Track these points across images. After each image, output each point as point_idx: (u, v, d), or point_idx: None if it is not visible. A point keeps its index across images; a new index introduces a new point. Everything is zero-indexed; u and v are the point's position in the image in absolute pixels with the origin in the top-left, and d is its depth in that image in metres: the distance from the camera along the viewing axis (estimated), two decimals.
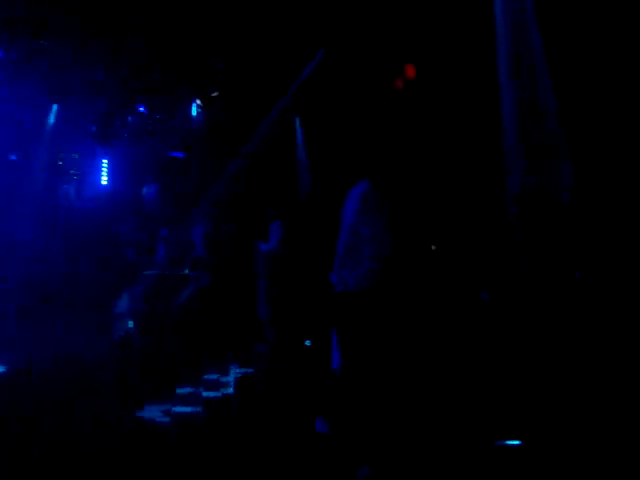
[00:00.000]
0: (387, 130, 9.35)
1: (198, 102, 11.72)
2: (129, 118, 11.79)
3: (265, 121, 11.23)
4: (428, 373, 5.83)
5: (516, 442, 4.55)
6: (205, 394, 6.87)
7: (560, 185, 6.35)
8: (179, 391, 6.87)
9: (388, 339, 4.90)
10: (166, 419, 5.87)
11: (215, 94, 11.85)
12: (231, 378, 7.61)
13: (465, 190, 8.67)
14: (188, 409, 6.18)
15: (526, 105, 6.63)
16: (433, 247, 9.04)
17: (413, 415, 5.09)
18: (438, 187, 9.03)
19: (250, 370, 8.00)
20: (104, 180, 11.70)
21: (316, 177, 11.28)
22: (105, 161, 11.75)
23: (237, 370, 8.01)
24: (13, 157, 11.11)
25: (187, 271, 9.81)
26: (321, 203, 9.90)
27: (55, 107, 11.19)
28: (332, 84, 10.27)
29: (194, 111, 11.80)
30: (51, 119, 11.23)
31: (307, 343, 8.89)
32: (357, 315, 4.90)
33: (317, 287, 7.43)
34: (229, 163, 11.53)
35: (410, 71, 9.45)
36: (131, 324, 8.86)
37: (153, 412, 6.02)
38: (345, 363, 5.11)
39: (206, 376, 7.61)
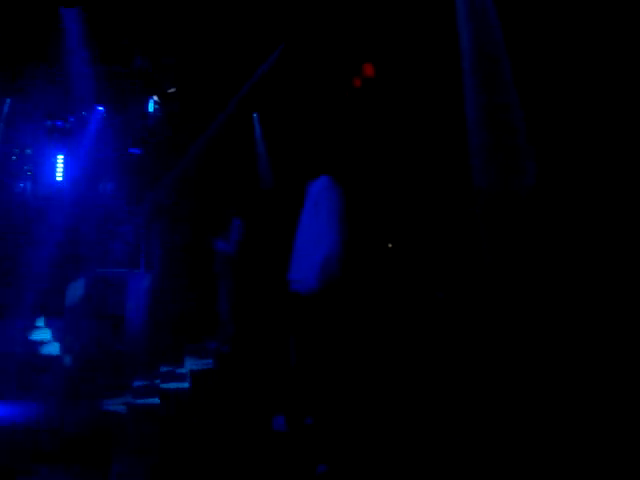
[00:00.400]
0: (345, 127, 9.41)
1: (155, 98, 11.61)
2: (84, 113, 11.61)
3: (220, 117, 11.19)
4: (383, 371, 5.89)
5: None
6: (163, 385, 6.88)
7: (522, 184, 6.45)
8: (136, 384, 6.86)
9: (342, 339, 4.89)
10: (124, 410, 5.86)
11: (172, 90, 11.75)
12: (186, 370, 7.61)
13: (424, 188, 8.77)
14: (146, 401, 6.17)
15: (490, 104, 6.71)
16: (389, 245, 9.09)
17: (370, 412, 5.13)
18: (397, 184, 9.12)
19: (206, 362, 8.01)
20: (59, 176, 11.51)
21: (277, 173, 11.28)
22: (60, 157, 11.55)
23: (193, 363, 8.00)
24: None
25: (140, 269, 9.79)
26: (282, 199, 9.92)
27: (8, 101, 10.98)
28: (291, 80, 10.28)
29: (151, 107, 11.69)
30: (4, 113, 11.01)
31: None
32: (311, 315, 4.85)
33: (275, 286, 7.46)
34: (182, 160, 11.47)
35: (368, 70, 9.52)
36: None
37: (112, 405, 6.01)
38: (299, 363, 5.08)
39: (162, 368, 7.61)
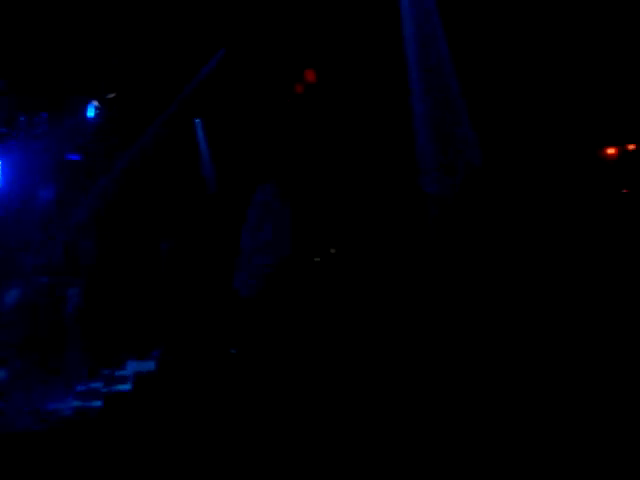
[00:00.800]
0: (289, 133, 9.47)
1: (95, 103, 11.47)
2: (21, 118, 11.37)
3: (158, 122, 11.11)
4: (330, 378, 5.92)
5: None
6: (105, 389, 6.81)
7: (470, 186, 6.59)
8: (79, 388, 6.78)
9: (284, 345, 4.87)
10: (68, 413, 5.78)
11: (112, 95, 11.63)
12: (129, 372, 7.54)
13: (370, 193, 8.86)
14: (89, 403, 6.10)
15: (437, 109, 6.84)
16: (332, 250, 9.11)
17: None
18: (342, 190, 9.20)
19: (148, 363, 7.94)
20: None
21: (221, 179, 11.21)
22: None
23: (134, 364, 7.93)
24: None
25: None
26: (227, 205, 9.89)
27: None
28: (233, 87, 10.29)
29: (91, 112, 11.53)
30: None
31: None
32: (254, 320, 4.83)
33: (220, 291, 7.44)
34: (119, 164, 11.34)
35: (310, 76, 9.61)
36: None
37: (56, 406, 5.92)
38: (242, 368, 5.02)
39: (105, 371, 7.53)
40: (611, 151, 6.15)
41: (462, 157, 6.73)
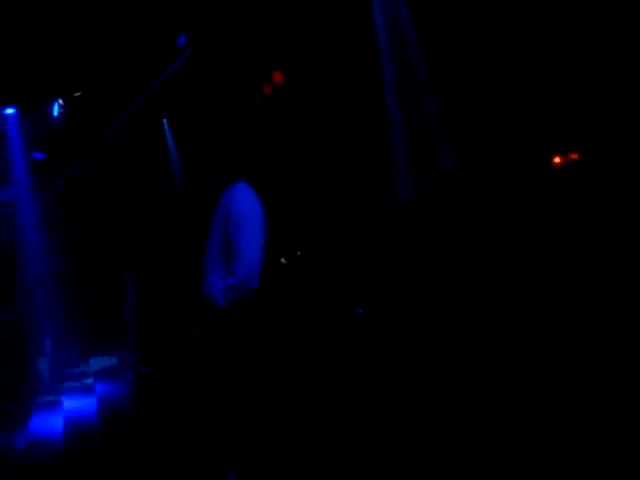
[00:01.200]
0: (258, 134, 9.46)
1: (60, 102, 11.33)
2: None
3: (121, 121, 11.03)
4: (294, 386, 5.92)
5: None
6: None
7: (444, 192, 6.65)
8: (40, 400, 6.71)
9: (252, 354, 4.81)
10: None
11: (77, 94, 11.51)
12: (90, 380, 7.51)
13: (338, 194, 8.87)
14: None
15: (409, 107, 6.87)
16: (298, 253, 9.08)
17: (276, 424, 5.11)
18: (312, 192, 9.20)
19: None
20: None
21: (191, 179, 11.13)
22: None
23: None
24: None
25: None
26: (196, 206, 9.81)
27: None
28: (201, 86, 10.24)
29: (56, 111, 11.40)
30: None
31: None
32: (222, 328, 4.71)
33: (186, 297, 7.38)
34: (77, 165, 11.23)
35: (278, 77, 9.60)
36: None
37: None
38: (206, 378, 4.93)
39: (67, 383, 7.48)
40: (557, 160, 6.33)
41: (435, 162, 6.79)
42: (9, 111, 10.74)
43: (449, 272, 6.35)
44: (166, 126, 11.15)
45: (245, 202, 4.85)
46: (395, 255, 7.06)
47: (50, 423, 6.14)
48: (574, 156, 6.15)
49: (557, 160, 6.24)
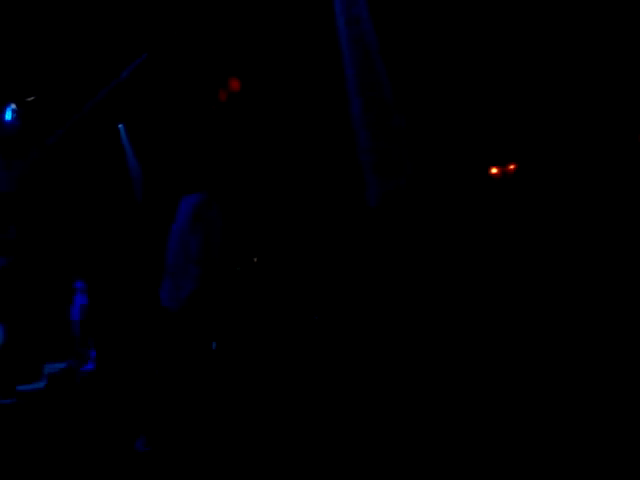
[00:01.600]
0: (216, 141, 9.49)
1: (13, 106, 11.22)
2: None
3: (72, 124, 10.95)
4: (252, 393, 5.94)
5: None
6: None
7: (409, 198, 6.78)
8: None
9: (210, 359, 4.84)
10: None
11: (31, 98, 11.42)
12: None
13: (298, 201, 8.96)
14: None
15: (375, 124, 6.97)
16: (255, 259, 9.15)
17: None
18: (270, 198, 9.27)
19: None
20: None
21: (150, 185, 11.07)
22: None
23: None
24: None
25: None
26: (155, 212, 9.78)
27: None
28: (159, 92, 10.23)
29: (9, 116, 11.28)
30: None
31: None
32: (179, 335, 4.76)
33: (145, 303, 7.37)
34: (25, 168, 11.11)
35: (234, 84, 9.67)
36: None
37: None
38: (163, 383, 4.93)
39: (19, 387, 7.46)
40: (494, 170, 6.61)
41: (396, 166, 6.88)
42: None
43: (410, 270, 6.45)
44: (123, 131, 11.12)
45: (202, 209, 4.94)
46: (356, 258, 7.18)
47: None
48: (512, 166, 6.47)
49: (495, 170, 6.54)
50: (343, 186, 7.68)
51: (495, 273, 6.04)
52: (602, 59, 6.18)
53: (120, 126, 11.07)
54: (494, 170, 6.44)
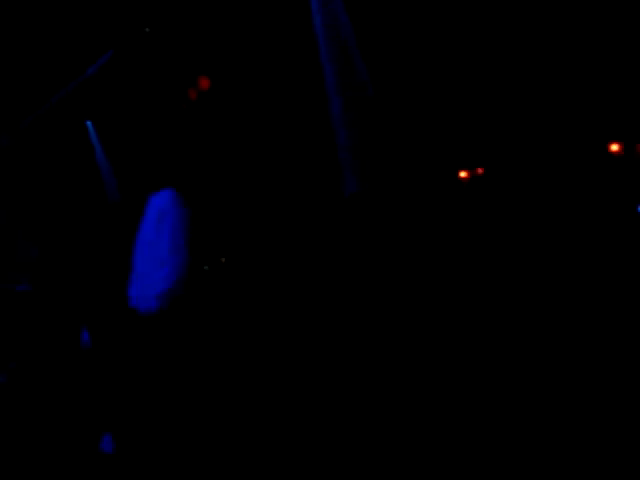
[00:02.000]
0: (186, 139, 9.41)
1: None
2: None
3: (33, 120, 10.77)
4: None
5: None
6: None
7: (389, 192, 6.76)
8: None
9: (179, 361, 4.75)
10: None
11: None
12: None
13: (270, 200, 8.89)
14: None
15: (353, 122, 6.95)
16: (222, 259, 9.06)
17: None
18: (240, 197, 9.20)
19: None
20: None
21: (120, 183, 10.87)
22: None
23: None
24: None
25: None
26: (124, 211, 9.62)
27: None
28: (127, 89, 10.09)
29: None
30: None
31: None
32: (148, 336, 4.68)
33: (112, 303, 7.26)
34: None
35: (204, 83, 9.59)
36: None
37: None
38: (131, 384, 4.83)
39: None
40: (463, 174, 6.69)
41: (375, 159, 6.85)
42: None
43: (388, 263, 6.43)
44: (91, 128, 10.92)
45: (170, 209, 4.88)
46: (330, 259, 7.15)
47: None
48: (480, 170, 6.53)
49: (464, 174, 6.60)
50: (318, 186, 7.67)
51: (465, 271, 6.06)
52: (574, 61, 6.26)
53: (88, 123, 10.89)
54: (463, 174, 6.50)
